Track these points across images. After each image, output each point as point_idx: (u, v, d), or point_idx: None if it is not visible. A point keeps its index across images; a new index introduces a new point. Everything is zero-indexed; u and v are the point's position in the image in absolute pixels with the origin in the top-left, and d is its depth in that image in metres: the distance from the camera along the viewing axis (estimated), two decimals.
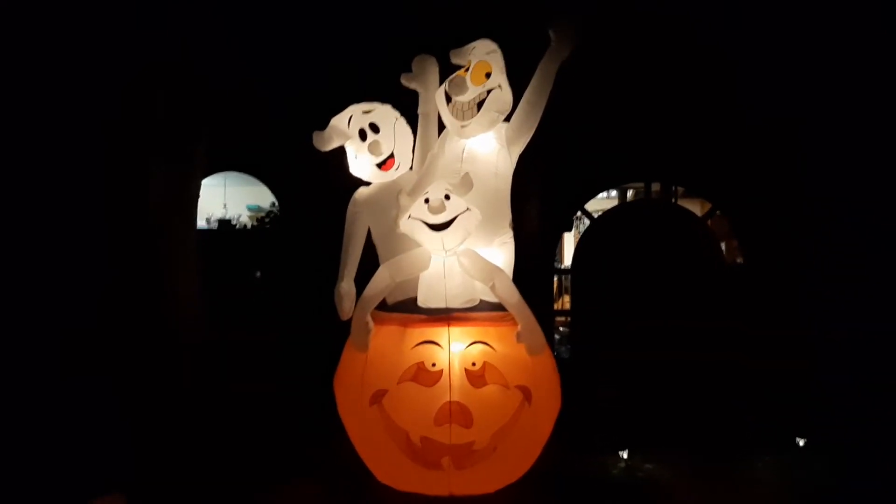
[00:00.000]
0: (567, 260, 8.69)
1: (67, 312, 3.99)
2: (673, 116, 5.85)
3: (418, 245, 3.40)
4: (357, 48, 5.63)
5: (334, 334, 3.66)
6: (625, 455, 4.40)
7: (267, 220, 7.17)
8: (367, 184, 3.83)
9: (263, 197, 7.68)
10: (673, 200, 7.11)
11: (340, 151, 3.77)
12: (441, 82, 3.64)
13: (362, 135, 3.67)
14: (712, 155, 5.93)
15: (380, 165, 3.69)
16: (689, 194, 7.55)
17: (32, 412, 3.80)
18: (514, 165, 3.68)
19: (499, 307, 3.41)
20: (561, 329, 7.06)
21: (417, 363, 3.27)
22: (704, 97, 5.79)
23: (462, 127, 3.53)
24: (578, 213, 6.71)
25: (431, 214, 3.26)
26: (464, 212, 3.28)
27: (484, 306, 3.45)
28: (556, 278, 7.23)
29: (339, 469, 3.84)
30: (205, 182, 5.05)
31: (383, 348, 3.37)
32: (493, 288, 3.34)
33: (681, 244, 6.03)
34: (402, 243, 3.50)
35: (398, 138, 3.70)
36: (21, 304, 3.89)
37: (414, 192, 3.39)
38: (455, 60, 3.60)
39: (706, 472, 4.16)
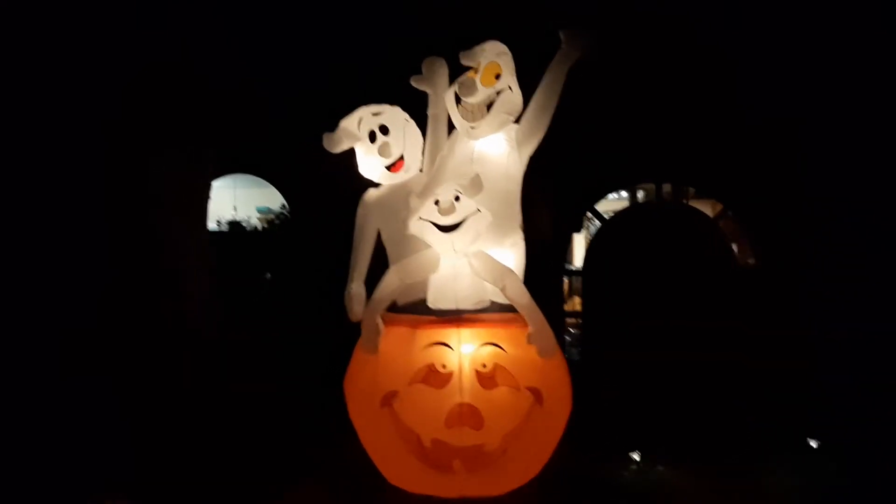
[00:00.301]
0: (578, 261, 8.67)
1: (79, 315, 4.01)
2: (683, 117, 5.82)
3: (428, 247, 3.39)
4: (362, 49, 5.63)
5: (344, 336, 3.66)
6: (636, 457, 4.37)
7: (277, 222, 7.19)
8: (377, 185, 3.82)
9: (273, 199, 7.70)
10: (684, 201, 7.07)
11: (350, 153, 3.77)
12: (450, 84, 3.64)
13: (372, 137, 3.67)
14: (723, 155, 5.90)
15: (389, 167, 3.69)
16: (700, 195, 7.51)
17: (44, 411, 3.82)
18: (524, 167, 3.67)
19: (509, 309, 3.40)
20: (571, 330, 7.03)
21: (428, 365, 3.27)
22: (714, 97, 5.76)
23: (472, 128, 3.53)
24: (589, 214, 6.69)
25: (441, 216, 3.26)
26: (474, 213, 3.27)
27: (494, 308, 3.44)
28: (566, 280, 7.21)
29: (348, 471, 3.84)
30: (215, 184, 5.07)
31: (394, 350, 3.37)
32: (503, 289, 3.33)
33: (692, 245, 5.99)
34: (412, 245, 3.49)
35: (408, 140, 3.70)
36: (34, 305, 3.92)
37: (424, 194, 3.38)
38: (465, 62, 3.59)
39: (715, 474, 4.13)
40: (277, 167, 6.30)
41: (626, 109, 5.81)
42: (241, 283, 6.07)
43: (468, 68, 3.58)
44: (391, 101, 3.79)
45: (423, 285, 3.48)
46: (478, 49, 3.57)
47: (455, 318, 3.35)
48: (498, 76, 3.47)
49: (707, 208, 7.12)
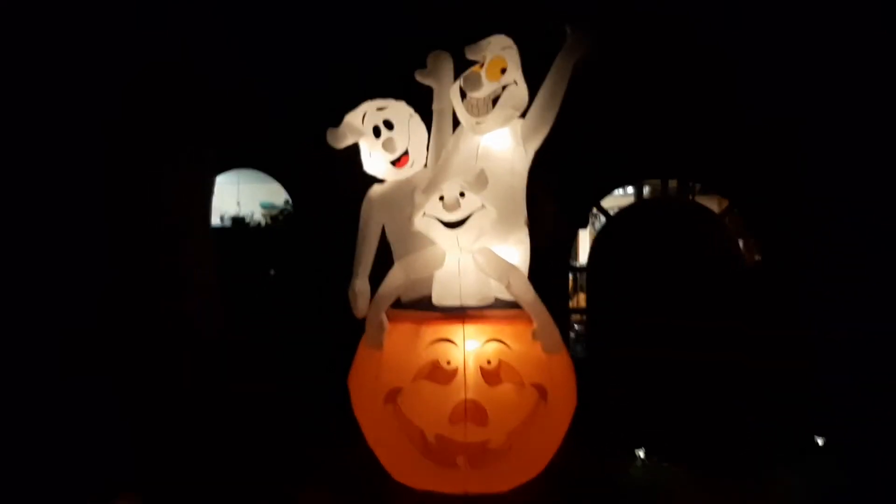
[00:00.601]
0: (583, 258, 8.65)
1: (81, 313, 4.01)
2: (689, 113, 5.79)
3: (433, 243, 3.38)
4: (367, 43, 5.62)
5: (348, 332, 3.66)
6: (641, 454, 4.36)
7: (281, 217, 7.19)
8: (382, 181, 3.81)
9: (277, 194, 7.70)
10: (690, 197, 7.05)
11: (354, 149, 3.76)
12: (456, 78, 3.62)
13: (376, 132, 3.66)
14: (729, 152, 5.87)
15: (394, 163, 3.68)
16: (706, 191, 7.48)
17: (45, 410, 3.82)
18: (529, 162, 3.65)
19: (514, 305, 3.38)
20: (576, 327, 7.02)
21: (432, 361, 3.26)
22: (720, 93, 5.73)
23: (477, 123, 3.51)
24: (594, 211, 6.67)
25: (446, 212, 3.24)
26: (479, 209, 3.26)
27: (499, 304, 3.43)
28: (571, 276, 7.19)
29: (353, 467, 3.84)
30: (218, 180, 5.07)
31: (398, 346, 3.36)
32: (508, 286, 3.32)
33: (698, 242, 5.97)
34: (417, 241, 3.48)
35: (412, 135, 3.69)
36: (35, 304, 3.92)
37: (428, 190, 3.37)
38: (470, 56, 3.57)
39: (719, 472, 4.11)
40: (281, 162, 6.29)
41: (631, 105, 5.79)
42: (244, 280, 6.07)
43: (473, 63, 3.57)
44: (396, 96, 3.78)
45: (428, 282, 3.47)
46: (483, 43, 3.55)
47: (459, 314, 3.34)
48: (503, 71, 3.44)
49: (713, 204, 7.09)
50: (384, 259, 3.70)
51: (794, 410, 5.07)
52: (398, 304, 3.54)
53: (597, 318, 6.30)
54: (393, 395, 3.30)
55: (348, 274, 3.77)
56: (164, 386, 4.25)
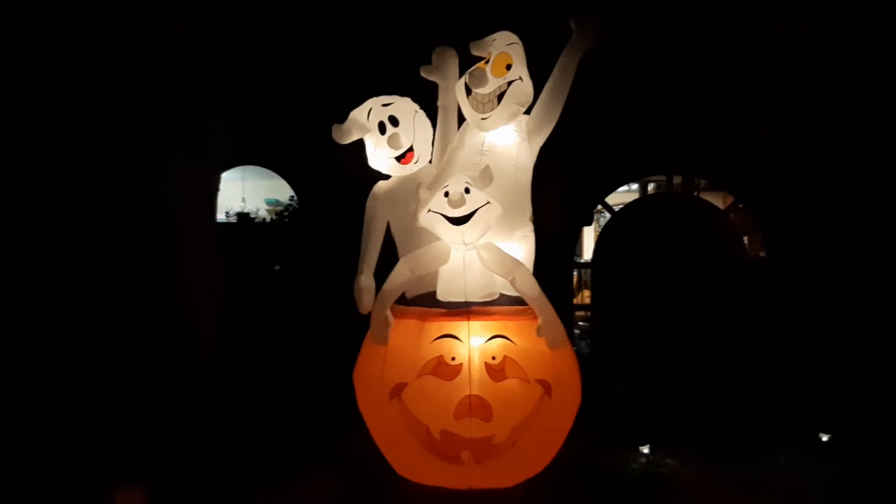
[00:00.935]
0: (587, 254, 8.63)
1: (86, 308, 4.02)
2: (693, 109, 5.77)
3: (438, 239, 3.38)
4: (372, 40, 5.61)
5: (353, 328, 3.66)
6: (645, 450, 4.37)
7: (286, 213, 7.18)
8: (387, 177, 3.81)
9: (282, 191, 7.69)
10: (695, 194, 7.02)
11: (359, 145, 3.76)
12: (461, 74, 3.62)
13: (381, 128, 3.66)
14: (735, 147, 5.85)
15: (399, 159, 3.68)
16: (711, 187, 7.46)
17: (46, 409, 3.83)
18: (534, 158, 3.65)
19: (519, 301, 3.39)
20: (581, 323, 7.01)
21: (437, 357, 3.27)
22: (724, 90, 5.71)
23: (482, 119, 3.51)
24: (599, 207, 6.66)
25: (451, 208, 3.24)
26: (484, 205, 3.26)
27: (504, 300, 3.43)
28: (576, 272, 7.17)
29: (358, 462, 3.85)
30: (224, 176, 5.07)
31: (403, 342, 3.37)
32: (513, 282, 3.32)
33: (702, 238, 5.96)
34: (422, 237, 3.48)
35: (417, 131, 3.69)
36: (37, 301, 3.93)
37: (433, 186, 3.38)
38: (475, 52, 3.57)
39: (724, 467, 4.12)
40: (286, 159, 6.29)
41: (636, 101, 5.77)
42: (249, 275, 6.08)
43: (478, 59, 3.56)
44: (401, 93, 3.78)
45: (433, 277, 3.47)
46: (488, 39, 3.55)
47: (464, 310, 3.35)
48: (509, 66, 3.45)
49: (718, 201, 7.07)
50: (389, 255, 3.71)
51: (797, 406, 5.07)
52: (403, 300, 3.54)
53: (601, 314, 6.29)
54: (398, 391, 3.31)
55: (353, 270, 3.77)
56: (168, 382, 4.27)
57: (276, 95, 5.89)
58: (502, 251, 3.37)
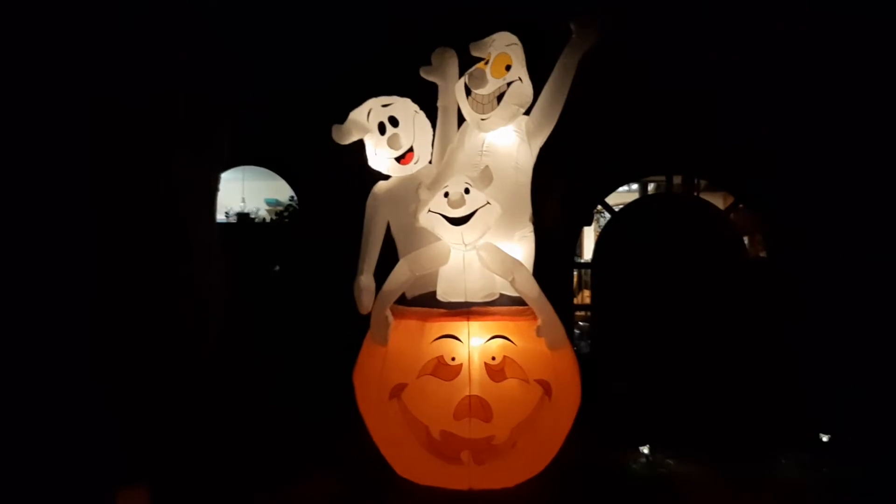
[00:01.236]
0: (587, 254, 8.64)
1: (85, 308, 4.02)
2: (693, 109, 5.77)
3: (438, 239, 3.39)
4: (372, 40, 5.61)
5: (353, 328, 3.66)
6: (645, 450, 4.37)
7: (286, 214, 7.18)
8: (387, 177, 3.82)
9: (282, 191, 7.70)
10: (695, 194, 7.02)
11: (359, 145, 3.76)
12: (461, 75, 3.62)
13: (381, 128, 3.66)
14: (735, 147, 5.85)
15: (399, 159, 3.68)
16: (711, 187, 7.46)
17: (46, 408, 3.83)
18: (534, 159, 3.65)
19: (519, 301, 3.39)
20: (581, 324, 7.01)
21: (437, 357, 3.27)
22: (724, 89, 5.71)
23: (482, 120, 3.51)
24: (599, 207, 6.66)
25: (451, 208, 3.25)
26: (484, 206, 3.26)
27: (504, 300, 3.43)
28: (576, 273, 7.18)
29: (357, 463, 3.85)
30: (224, 176, 5.06)
31: (403, 342, 3.37)
32: (512, 282, 3.33)
33: (702, 238, 5.96)
34: (422, 237, 3.48)
35: (417, 132, 3.69)
36: (36, 300, 3.93)
37: (433, 186, 3.38)
38: (475, 53, 3.58)
39: (724, 468, 4.12)
40: (286, 159, 6.29)
41: (636, 101, 5.77)
42: (249, 276, 6.08)
43: (478, 59, 3.56)
44: (401, 93, 3.78)
45: (433, 278, 3.47)
46: (488, 40, 3.55)
47: (464, 310, 3.35)
48: (508, 67, 3.45)
49: (718, 201, 7.07)
50: (389, 255, 3.71)
51: (797, 406, 5.07)
52: (403, 301, 3.54)
53: (601, 314, 6.29)
54: (398, 391, 3.31)
55: (353, 270, 3.77)
56: (168, 381, 4.26)
57: (276, 95, 5.89)
58: (502, 251, 3.37)
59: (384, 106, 3.70)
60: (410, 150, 3.67)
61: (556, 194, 5.57)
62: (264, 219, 8.17)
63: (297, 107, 5.84)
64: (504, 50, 3.48)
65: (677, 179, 6.79)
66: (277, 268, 6.64)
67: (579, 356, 3.65)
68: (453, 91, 3.65)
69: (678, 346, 5.71)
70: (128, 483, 3.60)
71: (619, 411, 4.93)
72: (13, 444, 3.70)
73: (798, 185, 5.72)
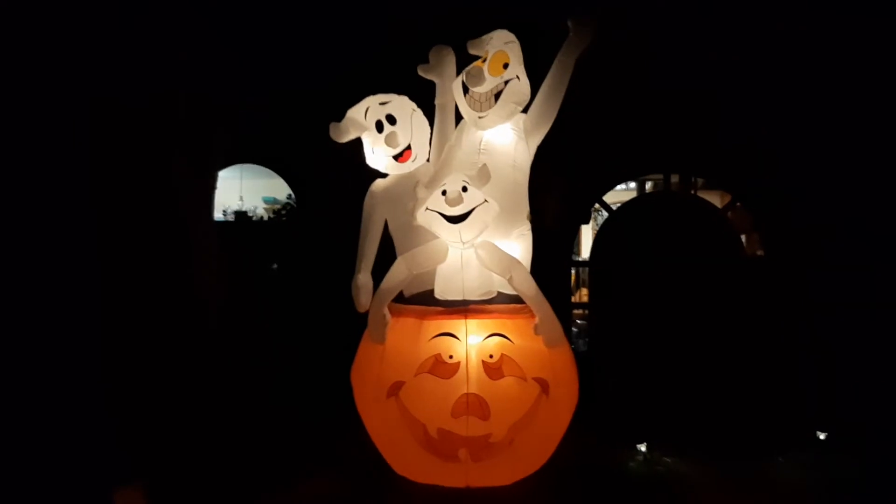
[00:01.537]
0: (585, 252, 8.63)
1: (84, 306, 4.02)
2: (691, 107, 5.78)
3: (435, 237, 3.39)
4: (370, 38, 5.61)
5: (351, 327, 3.66)
6: (643, 448, 4.37)
7: (283, 212, 7.17)
8: (384, 176, 3.81)
9: (280, 189, 7.68)
10: (692, 192, 7.02)
11: (357, 143, 3.76)
12: (458, 73, 3.62)
13: (379, 126, 3.66)
14: (732, 146, 5.85)
15: (396, 157, 3.68)
16: (708, 186, 7.47)
17: (46, 407, 3.83)
18: (532, 157, 3.65)
19: (516, 299, 3.39)
20: (578, 322, 7.02)
21: (434, 355, 3.27)
22: (723, 88, 5.71)
23: (479, 118, 3.51)
24: (597, 205, 6.66)
25: (449, 206, 3.25)
26: (481, 204, 3.27)
27: (501, 298, 3.44)
28: (573, 271, 7.18)
29: (355, 460, 3.85)
30: (221, 174, 5.07)
31: (400, 340, 3.37)
32: (510, 280, 3.33)
33: (700, 236, 5.96)
34: (420, 235, 3.48)
35: (415, 130, 3.69)
36: (40, 299, 3.93)
37: (431, 184, 3.38)
38: (472, 51, 3.57)
39: (722, 466, 4.13)
40: (284, 157, 6.28)
41: (634, 100, 5.77)
42: (247, 274, 6.07)
43: (476, 57, 3.56)
44: (398, 91, 3.77)
45: (431, 276, 3.47)
46: (485, 38, 3.55)
47: (462, 308, 3.35)
48: (506, 65, 3.45)
49: (715, 199, 7.08)
50: (387, 253, 3.71)
51: (795, 403, 5.08)
52: (401, 299, 3.54)
53: (599, 312, 6.30)
54: (395, 389, 3.31)
55: (351, 268, 3.77)
56: (167, 380, 4.26)
57: (275, 94, 5.89)
58: (500, 249, 3.37)
59: (382, 104, 3.69)
60: (408, 148, 3.67)
61: (554, 192, 5.58)
62: (262, 217, 8.16)
63: (296, 106, 5.83)
64: (501, 48, 3.48)
65: (675, 178, 6.79)
66: (275, 266, 6.63)
67: (577, 354, 3.66)
68: (451, 89, 3.65)
69: (676, 345, 5.71)
70: (127, 483, 3.60)
71: (616, 409, 4.94)
72: (13, 443, 3.70)
73: (795, 183, 5.73)
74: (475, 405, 3.20)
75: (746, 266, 6.06)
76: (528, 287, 3.33)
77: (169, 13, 4.42)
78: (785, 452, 4.35)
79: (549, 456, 3.54)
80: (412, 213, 3.38)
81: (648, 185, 8.89)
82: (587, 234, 8.72)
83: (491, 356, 3.26)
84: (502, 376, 3.25)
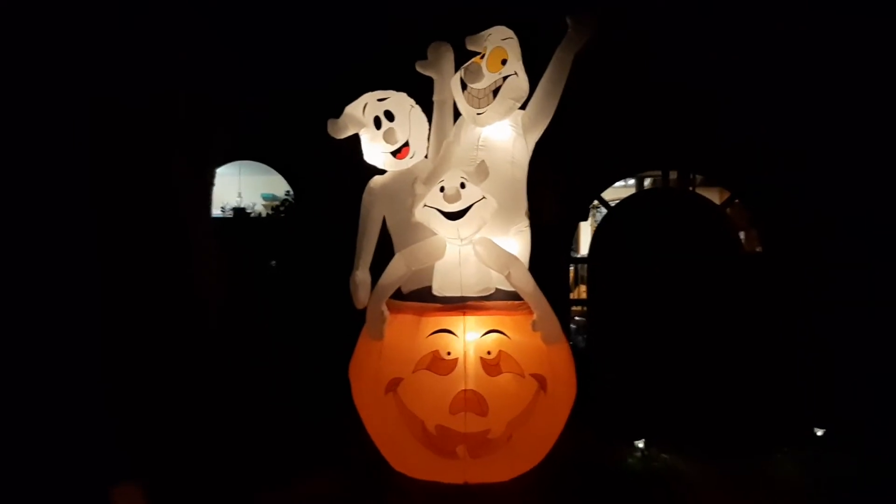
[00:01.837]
0: (583, 249, 8.64)
1: (82, 304, 4.02)
2: (690, 104, 5.78)
3: (434, 234, 3.39)
4: (368, 34, 5.60)
5: (349, 323, 3.66)
6: (640, 444, 4.38)
7: (282, 208, 7.17)
8: (382, 172, 3.81)
9: (278, 186, 7.68)
10: (691, 189, 7.03)
11: (355, 139, 3.76)
12: (456, 69, 3.62)
13: (377, 123, 3.65)
14: (731, 142, 5.86)
15: (395, 154, 3.67)
16: (707, 182, 7.47)
17: (45, 406, 3.83)
18: (530, 153, 3.65)
19: (514, 296, 3.39)
20: (577, 318, 7.03)
21: (433, 352, 3.27)
22: (721, 85, 5.71)
23: (478, 114, 3.51)
24: (595, 202, 6.67)
25: (447, 203, 3.25)
26: (479, 200, 3.27)
27: (499, 295, 3.44)
28: (572, 267, 7.19)
29: (353, 457, 3.86)
30: (220, 171, 5.07)
31: (398, 337, 3.37)
32: (508, 277, 3.33)
33: (698, 233, 5.97)
34: (418, 232, 3.48)
35: (413, 126, 3.68)
36: (39, 299, 3.93)
37: (429, 181, 3.37)
38: (471, 47, 3.57)
39: (720, 463, 4.14)
40: (282, 154, 6.28)
41: (633, 97, 5.77)
42: (245, 271, 6.07)
43: (474, 54, 3.56)
44: (397, 88, 3.77)
45: (429, 272, 3.47)
46: (484, 34, 3.55)
47: (460, 305, 3.35)
48: (504, 61, 3.44)
49: (714, 196, 7.08)
50: (385, 250, 3.71)
51: (793, 400, 5.09)
52: (399, 295, 3.54)
53: (597, 309, 6.30)
54: (393, 386, 3.31)
55: (349, 265, 3.77)
56: (166, 377, 4.26)
57: (274, 92, 5.88)
58: (498, 246, 3.37)
59: (380, 100, 3.68)
60: (406, 144, 3.66)
61: (553, 189, 5.58)
62: (260, 214, 8.16)
63: (296, 106, 5.83)
64: (500, 44, 3.47)
65: (673, 175, 6.80)
66: (274, 263, 6.63)
67: (575, 351, 3.66)
68: (449, 85, 3.64)
69: (674, 342, 5.72)
70: (127, 482, 3.60)
71: (614, 406, 4.94)
72: (13, 443, 3.71)
73: (793, 180, 5.73)
74: (473, 401, 3.20)
75: (745, 263, 6.07)
76: (526, 283, 3.33)
77: (169, 13, 4.42)
78: (784, 450, 4.36)
79: (547, 452, 3.54)
80: (410, 210, 3.37)
81: (647, 182, 8.89)
82: (586, 231, 8.72)
83: (489, 353, 3.26)
84: (500, 373, 3.26)
